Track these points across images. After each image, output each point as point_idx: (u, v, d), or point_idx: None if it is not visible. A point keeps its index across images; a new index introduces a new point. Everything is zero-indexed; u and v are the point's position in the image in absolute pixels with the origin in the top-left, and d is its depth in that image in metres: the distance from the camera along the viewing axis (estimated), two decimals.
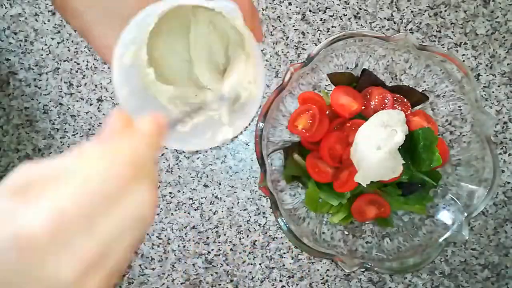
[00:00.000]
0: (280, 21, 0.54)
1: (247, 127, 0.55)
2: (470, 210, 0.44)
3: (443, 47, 0.55)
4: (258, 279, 0.55)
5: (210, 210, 0.55)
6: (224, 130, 0.34)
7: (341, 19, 0.55)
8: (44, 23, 0.55)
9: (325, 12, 0.55)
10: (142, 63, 0.35)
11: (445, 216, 0.47)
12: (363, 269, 0.48)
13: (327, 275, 0.54)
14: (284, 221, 0.44)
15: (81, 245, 0.19)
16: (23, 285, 0.18)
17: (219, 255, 0.55)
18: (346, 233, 0.51)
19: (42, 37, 0.55)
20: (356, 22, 0.55)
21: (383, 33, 0.46)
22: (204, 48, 0.39)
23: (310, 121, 0.47)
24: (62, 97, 0.55)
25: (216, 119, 0.36)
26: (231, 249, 0.55)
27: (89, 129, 0.55)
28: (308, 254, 0.53)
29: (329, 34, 0.55)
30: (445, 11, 0.55)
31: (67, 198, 0.19)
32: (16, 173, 0.20)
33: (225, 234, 0.55)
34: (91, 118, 0.55)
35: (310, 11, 0.55)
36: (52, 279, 0.18)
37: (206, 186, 0.55)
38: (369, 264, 0.44)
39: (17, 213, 0.18)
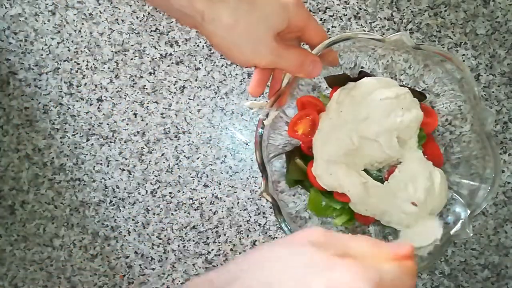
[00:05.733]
0: None
1: (247, 127, 0.55)
2: (473, 207, 0.44)
3: (443, 47, 0.55)
4: None
5: (210, 210, 0.55)
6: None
7: (341, 19, 0.55)
8: (44, 23, 0.55)
9: (325, 12, 0.55)
10: None
11: (447, 214, 0.47)
12: None
13: None
14: (288, 227, 0.44)
15: None
16: None
17: (219, 255, 0.55)
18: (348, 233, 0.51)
19: (42, 37, 0.55)
20: (356, 22, 0.55)
21: (383, 33, 0.46)
22: None
23: (310, 127, 0.47)
24: (62, 97, 0.55)
25: None
26: (231, 249, 0.55)
27: (89, 129, 0.55)
28: None
29: (329, 34, 0.55)
30: (445, 11, 0.55)
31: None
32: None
33: (225, 234, 0.55)
34: (91, 118, 0.55)
35: (310, 11, 0.55)
36: None
37: (206, 186, 0.55)
38: None
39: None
